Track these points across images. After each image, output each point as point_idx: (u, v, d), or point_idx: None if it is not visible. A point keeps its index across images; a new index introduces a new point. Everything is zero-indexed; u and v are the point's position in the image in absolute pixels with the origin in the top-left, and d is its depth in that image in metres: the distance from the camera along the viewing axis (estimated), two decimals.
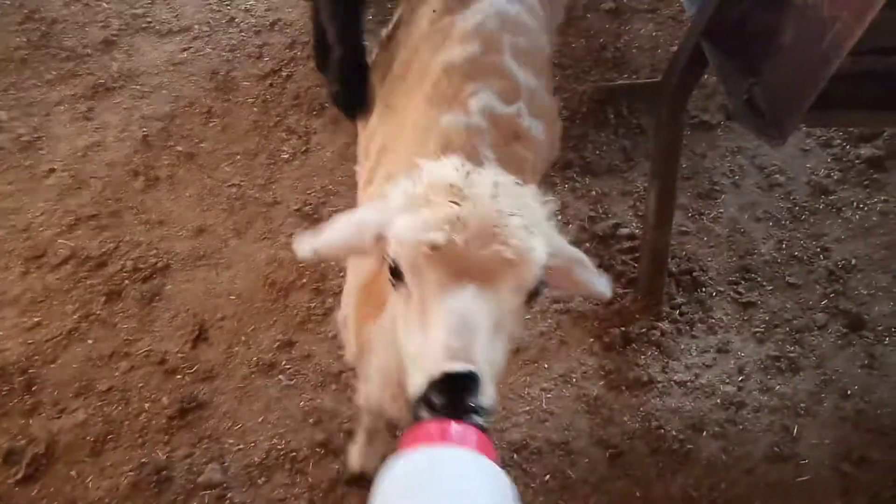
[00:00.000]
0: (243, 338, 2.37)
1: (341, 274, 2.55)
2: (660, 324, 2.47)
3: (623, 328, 2.45)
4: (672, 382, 2.36)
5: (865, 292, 2.64)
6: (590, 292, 1.25)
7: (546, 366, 2.38)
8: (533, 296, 1.07)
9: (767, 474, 2.19)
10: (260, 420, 2.20)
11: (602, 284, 1.23)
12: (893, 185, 3.03)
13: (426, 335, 0.99)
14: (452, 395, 0.90)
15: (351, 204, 2.75)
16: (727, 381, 2.37)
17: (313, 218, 2.69)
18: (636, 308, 2.50)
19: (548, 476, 2.14)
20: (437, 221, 1.01)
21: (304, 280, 2.52)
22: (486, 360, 0.96)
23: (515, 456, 2.17)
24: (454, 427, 0.86)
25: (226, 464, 2.11)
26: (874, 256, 2.76)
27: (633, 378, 2.35)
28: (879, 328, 2.52)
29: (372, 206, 1.22)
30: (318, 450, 2.13)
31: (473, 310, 0.97)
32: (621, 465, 2.19)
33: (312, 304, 2.46)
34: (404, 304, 1.07)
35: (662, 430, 2.25)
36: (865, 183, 3.01)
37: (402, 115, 1.61)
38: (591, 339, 2.44)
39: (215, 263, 2.57)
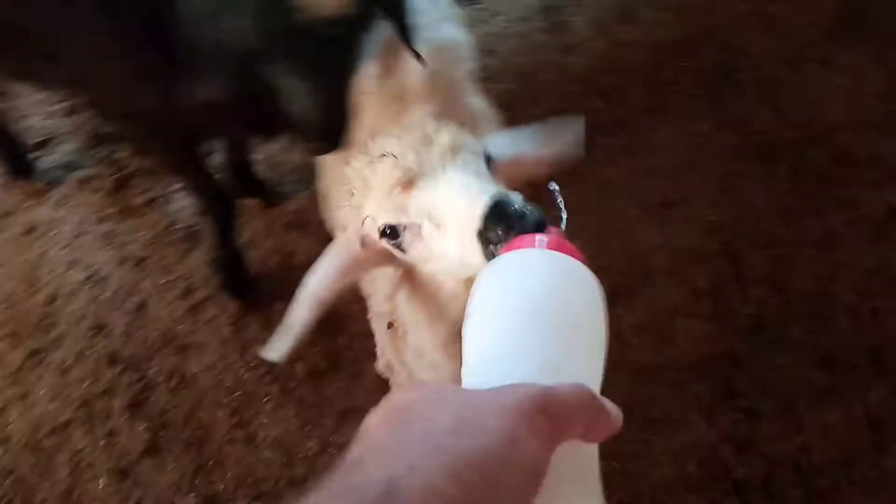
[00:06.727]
0: None
1: None
2: None
3: None
4: None
5: None
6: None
7: None
8: (489, 161, 1.11)
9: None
10: None
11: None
12: None
13: (450, 224, 0.98)
14: (512, 215, 0.86)
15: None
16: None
17: None
18: None
19: None
20: (392, 162, 1.04)
21: None
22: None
23: None
24: (539, 237, 0.79)
25: None
26: None
27: None
28: None
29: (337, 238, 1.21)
30: None
31: (464, 172, 1.00)
32: None
33: None
34: (417, 242, 1.05)
35: None
36: None
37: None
38: None
39: None
